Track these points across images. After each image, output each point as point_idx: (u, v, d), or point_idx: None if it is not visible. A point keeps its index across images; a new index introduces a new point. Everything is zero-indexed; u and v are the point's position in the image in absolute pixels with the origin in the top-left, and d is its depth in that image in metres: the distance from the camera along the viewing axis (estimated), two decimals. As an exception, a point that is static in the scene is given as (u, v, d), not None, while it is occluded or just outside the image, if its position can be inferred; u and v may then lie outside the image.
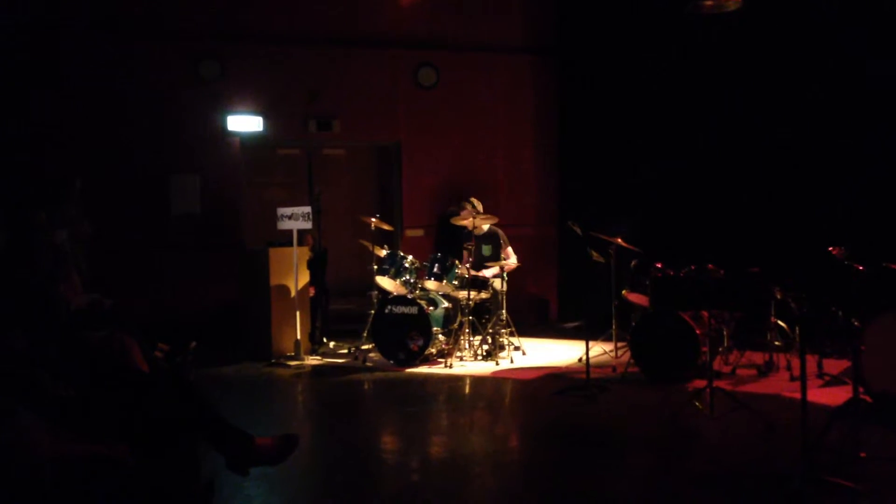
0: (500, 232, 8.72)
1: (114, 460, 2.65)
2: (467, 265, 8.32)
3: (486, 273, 8.43)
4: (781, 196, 8.32)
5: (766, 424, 5.36)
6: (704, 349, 6.66)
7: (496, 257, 8.46)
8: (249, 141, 10.12)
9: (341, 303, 10.04)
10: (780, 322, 7.29)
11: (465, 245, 8.40)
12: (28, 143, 8.81)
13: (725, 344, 7.28)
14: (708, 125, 8.96)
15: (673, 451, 5.23)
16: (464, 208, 8.65)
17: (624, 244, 7.77)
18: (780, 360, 7.28)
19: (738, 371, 7.20)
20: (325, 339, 9.20)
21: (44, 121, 9.09)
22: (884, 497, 4.10)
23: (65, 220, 8.08)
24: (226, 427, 3.50)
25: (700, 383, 6.32)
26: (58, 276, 5.36)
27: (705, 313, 7.11)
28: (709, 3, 6.24)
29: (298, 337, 8.44)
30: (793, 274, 6.97)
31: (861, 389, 5.16)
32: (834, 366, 7.01)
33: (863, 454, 4.49)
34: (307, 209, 8.38)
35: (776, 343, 7.23)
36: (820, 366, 6.92)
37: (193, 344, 8.28)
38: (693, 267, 6.75)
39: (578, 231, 7.51)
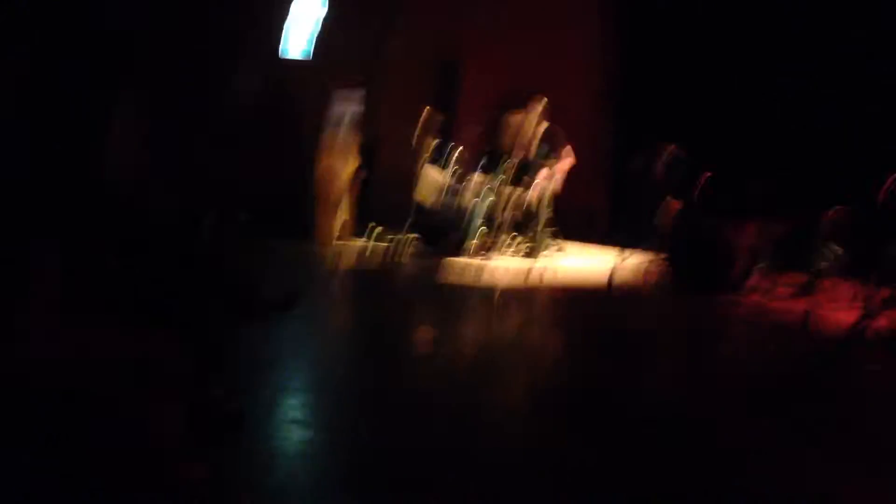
0: (559, 130, 8.53)
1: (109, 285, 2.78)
2: (516, 160, 8.24)
3: (543, 177, 8.29)
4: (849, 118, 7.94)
5: (786, 336, 5.30)
6: (742, 262, 6.54)
7: (550, 156, 8.36)
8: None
9: (391, 194, 10.09)
10: (830, 244, 7.06)
11: (513, 142, 8.29)
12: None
13: (767, 261, 7.11)
14: (778, 35, 8.54)
15: (687, 356, 5.22)
16: (530, 105, 8.47)
17: (675, 152, 7.57)
18: (825, 283, 7.07)
19: (776, 291, 7.04)
20: (369, 226, 9.30)
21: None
22: (879, 406, 4.03)
23: (126, 97, 8.28)
24: (233, 278, 3.62)
25: (732, 296, 6.25)
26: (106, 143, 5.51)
27: (751, 227, 6.96)
28: None
29: (343, 220, 8.59)
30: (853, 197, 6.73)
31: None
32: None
33: (872, 368, 4.42)
34: (360, 92, 8.39)
35: (822, 264, 7.01)
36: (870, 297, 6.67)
37: (242, 215, 8.49)
38: (741, 178, 6.59)
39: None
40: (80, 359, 2.27)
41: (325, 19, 9.85)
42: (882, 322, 4.66)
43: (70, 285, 2.61)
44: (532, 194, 8.31)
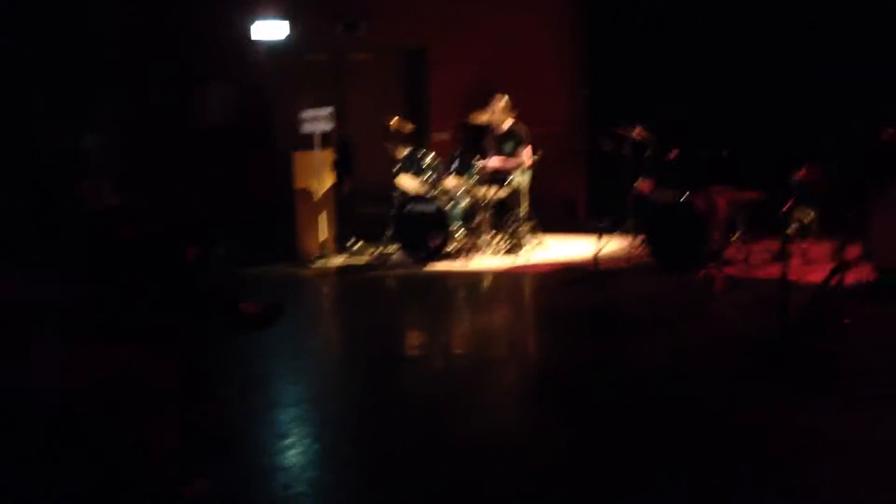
0: (523, 129, 8.66)
1: (89, 311, 2.83)
2: (486, 161, 8.32)
3: (492, 163, 8.41)
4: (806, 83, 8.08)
5: (764, 301, 5.39)
6: (716, 235, 6.65)
7: (516, 153, 8.47)
8: (276, 48, 10.14)
9: (368, 207, 10.17)
10: (798, 209, 7.19)
11: (482, 141, 8.38)
12: (51, 54, 8.95)
13: (740, 231, 7.23)
14: (737, 13, 8.68)
15: (671, 328, 5.31)
16: (494, 102, 8.57)
17: (641, 135, 7.67)
18: (801, 246, 7.19)
19: (752, 258, 7.15)
20: (350, 241, 9.39)
21: (68, 32, 9.19)
22: (858, 355, 4.16)
23: (96, 128, 8.36)
24: (213, 294, 3.68)
25: (710, 268, 6.35)
26: (73, 170, 5.56)
27: (722, 200, 7.06)
28: None
29: (323, 238, 8.65)
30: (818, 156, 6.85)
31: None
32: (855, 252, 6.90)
33: (847, 321, 4.53)
34: (328, 110, 8.48)
35: (791, 229, 7.12)
36: (840, 251, 6.81)
37: (222, 245, 8.56)
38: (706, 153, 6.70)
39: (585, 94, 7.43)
40: (71, 380, 2.32)
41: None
42: (854, 277, 4.78)
43: (57, 311, 2.66)
44: (505, 191, 8.39)
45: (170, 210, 8.84)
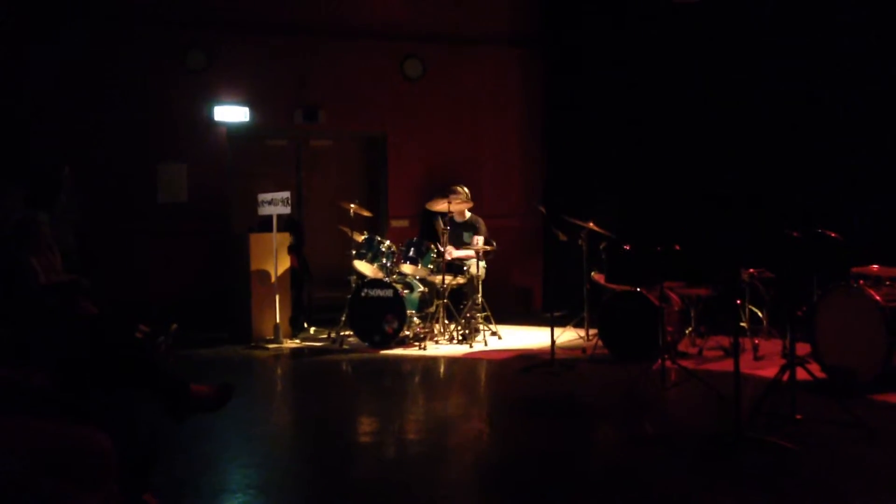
0: (481, 221, 8.83)
1: (29, 385, 2.76)
2: (443, 248, 8.38)
3: (457, 254, 8.52)
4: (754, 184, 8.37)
5: (718, 395, 5.44)
6: (669, 328, 6.73)
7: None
8: (236, 131, 10.26)
9: (325, 291, 10.14)
10: (750, 306, 7.36)
11: (438, 228, 8.46)
12: (12, 129, 8.93)
13: (693, 326, 7.34)
14: (688, 114, 9.02)
15: (626, 419, 5.32)
16: (454, 192, 8.65)
17: (595, 228, 7.84)
18: (754, 341, 7.31)
19: (705, 353, 7.26)
20: (305, 325, 9.33)
21: (28, 106, 9.21)
22: (809, 452, 4.20)
23: (47, 203, 8.25)
24: (162, 374, 3.61)
25: (663, 362, 6.40)
26: (24, 244, 5.45)
27: (675, 296, 7.20)
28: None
29: (278, 321, 8.57)
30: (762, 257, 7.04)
31: (807, 361, 5.24)
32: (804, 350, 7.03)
33: (799, 416, 4.59)
34: (286, 194, 8.51)
35: (742, 325, 7.27)
36: (792, 347, 6.93)
37: (175, 326, 8.40)
38: (658, 248, 6.83)
39: (543, 210, 7.59)
40: (15, 458, 2.25)
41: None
42: (804, 374, 4.85)
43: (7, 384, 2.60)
44: (461, 281, 8.44)
45: (123, 288, 8.74)
